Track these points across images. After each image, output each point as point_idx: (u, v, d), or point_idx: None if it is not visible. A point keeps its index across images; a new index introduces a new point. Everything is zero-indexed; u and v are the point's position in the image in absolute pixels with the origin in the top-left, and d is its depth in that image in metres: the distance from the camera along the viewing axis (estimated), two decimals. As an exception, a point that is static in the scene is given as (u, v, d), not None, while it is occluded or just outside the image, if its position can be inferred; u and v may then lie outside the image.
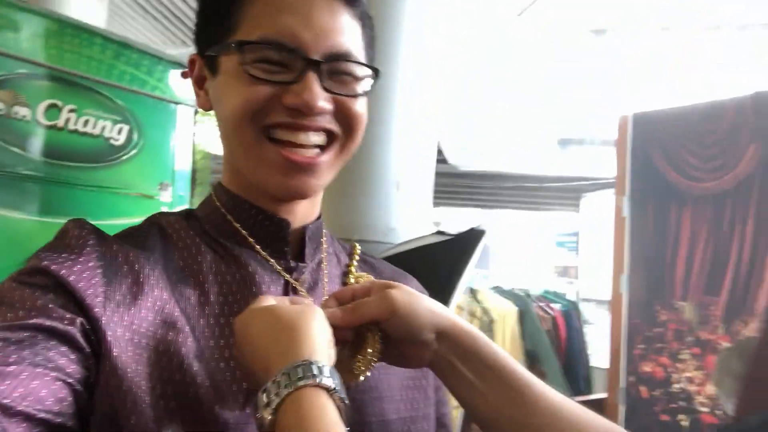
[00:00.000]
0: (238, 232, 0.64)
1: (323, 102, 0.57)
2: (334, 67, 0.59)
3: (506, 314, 3.40)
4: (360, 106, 0.62)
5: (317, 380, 0.43)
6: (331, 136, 0.62)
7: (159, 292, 0.56)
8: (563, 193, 8.24)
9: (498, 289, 3.77)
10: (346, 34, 0.59)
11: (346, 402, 0.45)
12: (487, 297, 3.53)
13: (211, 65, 0.61)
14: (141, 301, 0.54)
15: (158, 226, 0.64)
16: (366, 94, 0.63)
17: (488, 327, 3.29)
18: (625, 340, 2.09)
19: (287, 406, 0.42)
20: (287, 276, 0.64)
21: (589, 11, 4.24)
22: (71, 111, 2.32)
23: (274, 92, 0.57)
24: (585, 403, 0.58)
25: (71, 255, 0.54)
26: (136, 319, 0.53)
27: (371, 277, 0.71)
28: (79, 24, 2.38)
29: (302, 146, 0.59)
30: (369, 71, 0.62)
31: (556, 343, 3.55)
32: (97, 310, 0.51)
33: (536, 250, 8.70)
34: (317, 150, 0.61)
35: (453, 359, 0.57)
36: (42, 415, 0.45)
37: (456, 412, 3.01)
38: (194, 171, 2.84)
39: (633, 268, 2.09)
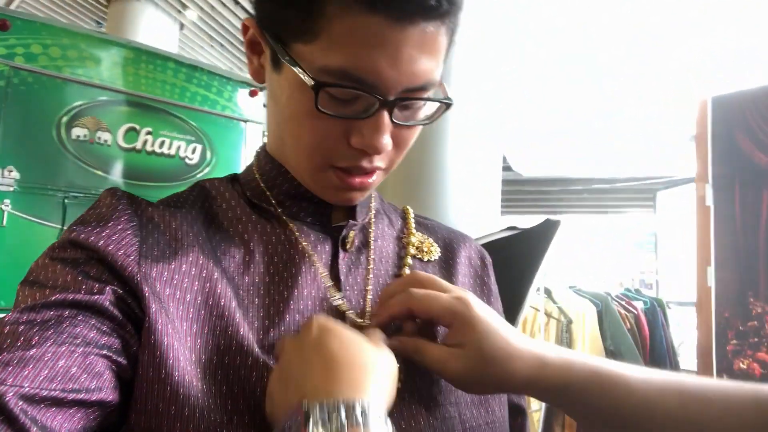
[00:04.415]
0: (278, 199, 0.62)
1: (388, 139, 0.54)
2: (405, 103, 0.54)
3: (584, 314, 3.26)
4: (416, 132, 0.59)
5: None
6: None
7: (198, 248, 0.55)
8: (636, 193, 7.94)
9: (575, 289, 3.62)
10: (432, 63, 0.52)
11: None
12: (564, 296, 3.40)
13: (274, 57, 0.56)
14: (180, 257, 0.54)
15: (201, 187, 0.64)
16: (430, 121, 0.58)
17: (566, 328, 3.18)
18: (715, 336, 1.97)
19: None
20: (334, 236, 0.62)
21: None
22: (148, 133, 2.46)
23: (341, 129, 0.54)
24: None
25: (100, 221, 0.53)
26: (176, 275, 0.52)
27: (431, 241, 0.69)
28: (153, 51, 2.53)
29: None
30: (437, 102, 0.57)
31: (639, 343, 3.38)
32: (130, 269, 0.50)
33: (612, 252, 8.39)
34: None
35: (541, 397, 0.55)
36: (73, 396, 0.43)
37: (537, 415, 2.92)
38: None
39: (720, 259, 1.97)
